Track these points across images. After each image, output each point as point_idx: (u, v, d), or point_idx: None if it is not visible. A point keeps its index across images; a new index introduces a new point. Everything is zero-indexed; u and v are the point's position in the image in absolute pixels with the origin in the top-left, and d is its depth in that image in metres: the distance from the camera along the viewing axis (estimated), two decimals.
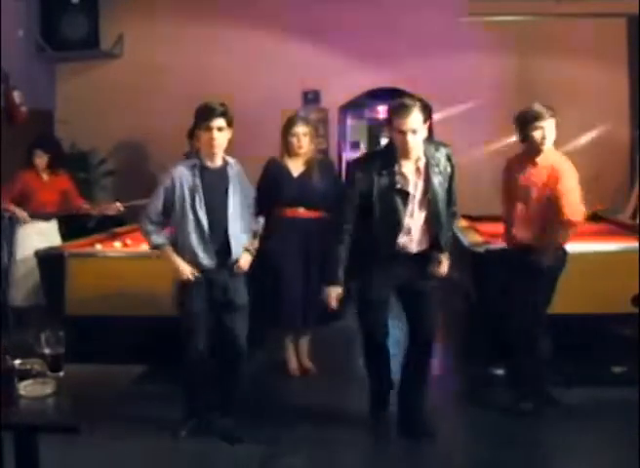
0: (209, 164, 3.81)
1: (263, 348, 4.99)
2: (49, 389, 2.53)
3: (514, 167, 4.14)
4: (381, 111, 9.82)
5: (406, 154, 3.64)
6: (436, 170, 3.70)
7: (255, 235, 4.04)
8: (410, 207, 3.69)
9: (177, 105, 7.42)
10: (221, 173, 3.83)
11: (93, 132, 7.90)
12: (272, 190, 4.64)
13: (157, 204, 3.80)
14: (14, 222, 5.90)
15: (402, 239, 3.71)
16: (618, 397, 4.31)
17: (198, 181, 3.76)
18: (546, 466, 3.82)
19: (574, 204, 4.01)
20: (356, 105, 8.82)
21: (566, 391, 4.23)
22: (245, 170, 3.97)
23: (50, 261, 4.97)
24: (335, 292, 3.77)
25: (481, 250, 4.36)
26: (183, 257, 3.79)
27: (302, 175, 4.73)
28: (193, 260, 3.78)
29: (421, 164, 3.68)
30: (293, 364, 4.96)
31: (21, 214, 5.71)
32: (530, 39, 7.62)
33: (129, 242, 5.47)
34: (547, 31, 7.61)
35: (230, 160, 3.89)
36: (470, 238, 5.03)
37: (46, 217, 5.85)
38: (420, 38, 7.85)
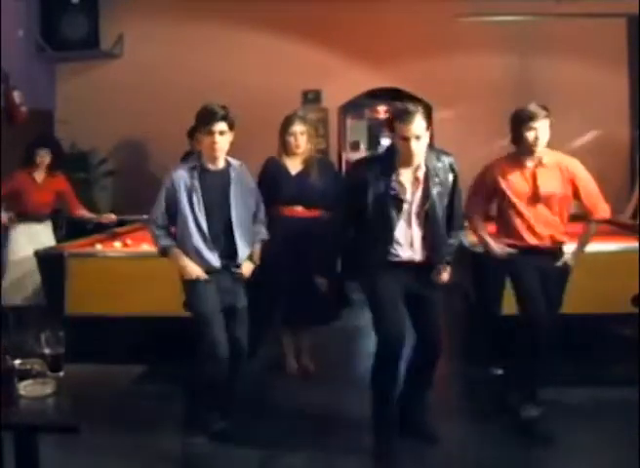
0: (210, 166, 3.80)
1: (263, 348, 4.97)
2: (49, 389, 2.53)
3: (506, 169, 4.02)
4: (381, 111, 9.84)
5: (408, 161, 3.61)
6: (436, 180, 3.66)
7: (259, 242, 3.99)
8: (406, 216, 3.66)
9: (177, 105, 7.43)
10: (223, 174, 3.81)
11: (93, 132, 7.90)
12: (270, 189, 4.64)
13: (161, 207, 3.79)
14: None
15: (403, 249, 3.67)
16: (618, 397, 4.30)
17: (197, 183, 3.74)
18: (546, 466, 3.82)
19: (599, 200, 4.06)
20: (356, 105, 8.83)
21: (566, 391, 4.23)
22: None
23: (50, 261, 4.97)
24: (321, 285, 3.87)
25: (481, 250, 4.35)
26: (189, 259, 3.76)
27: (301, 174, 4.73)
28: (198, 261, 3.75)
29: (421, 173, 3.64)
30: (291, 364, 4.97)
31: (4, 218, 5.68)
32: (530, 39, 7.62)
33: (129, 242, 5.48)
34: (547, 31, 7.61)
35: (233, 162, 3.87)
36: (470, 238, 5.02)
37: (39, 219, 5.84)
38: (420, 38, 7.86)
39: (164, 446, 3.85)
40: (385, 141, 7.24)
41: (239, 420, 3.92)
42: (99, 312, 4.80)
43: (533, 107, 3.91)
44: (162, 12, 8.03)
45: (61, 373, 2.66)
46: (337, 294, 4.65)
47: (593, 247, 4.75)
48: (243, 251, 3.84)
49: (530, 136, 3.89)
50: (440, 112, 7.78)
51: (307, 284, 4.60)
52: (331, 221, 4.03)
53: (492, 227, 4.25)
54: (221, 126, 3.70)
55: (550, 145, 3.99)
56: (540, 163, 3.98)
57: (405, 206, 3.65)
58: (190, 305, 3.81)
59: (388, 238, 3.66)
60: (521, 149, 3.99)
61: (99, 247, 5.38)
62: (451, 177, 3.72)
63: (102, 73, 8.20)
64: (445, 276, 3.83)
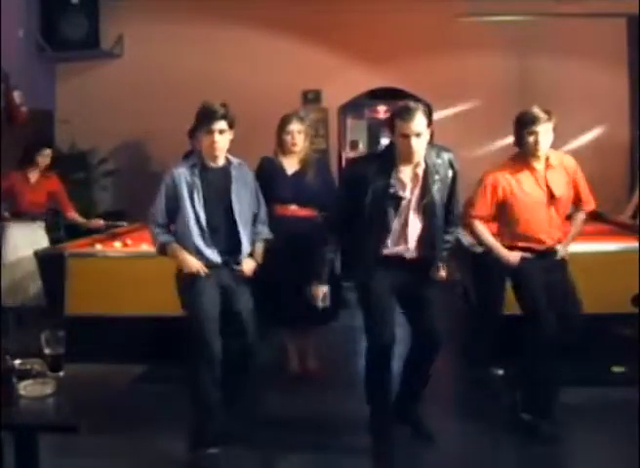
0: (210, 164, 3.79)
1: (263, 348, 4.98)
2: (49, 389, 2.53)
3: (516, 174, 3.96)
4: (381, 111, 9.83)
5: (408, 158, 3.59)
6: (436, 177, 3.65)
7: (263, 242, 3.99)
8: (404, 213, 3.65)
9: (177, 105, 7.42)
10: (224, 172, 3.81)
11: (93, 132, 7.90)
12: (266, 188, 4.63)
13: (161, 205, 3.78)
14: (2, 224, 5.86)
15: (400, 246, 3.68)
16: (618, 397, 4.30)
17: (197, 180, 3.74)
18: (546, 466, 3.82)
19: (589, 193, 4.10)
20: (356, 105, 8.81)
21: (566, 391, 4.22)
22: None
23: (50, 261, 4.97)
24: (319, 291, 3.78)
25: (481, 250, 4.35)
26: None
27: (296, 173, 4.72)
28: (198, 258, 3.74)
29: (420, 170, 3.63)
30: (293, 363, 4.97)
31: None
32: (530, 39, 7.62)
33: (129, 242, 5.47)
34: (547, 31, 7.61)
35: (234, 160, 3.86)
36: (470, 238, 5.02)
37: (32, 219, 5.81)
38: (420, 38, 7.86)
39: (164, 446, 3.85)
40: (385, 141, 7.23)
41: (239, 421, 3.92)
42: (99, 312, 4.79)
43: (535, 110, 3.88)
44: (162, 12, 8.03)
45: (61, 373, 2.66)
46: (335, 295, 4.65)
47: (593, 247, 4.76)
48: (246, 247, 3.83)
49: (531, 139, 3.86)
50: (440, 112, 7.78)
51: (304, 283, 4.61)
52: (328, 220, 4.01)
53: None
54: (221, 124, 3.69)
55: (551, 145, 3.99)
56: (548, 165, 3.97)
57: (403, 202, 3.63)
58: (186, 302, 3.78)
59: (384, 235, 3.65)
60: (524, 152, 3.96)
61: (99, 247, 5.38)
62: (450, 174, 3.71)
63: (102, 73, 8.20)
64: (443, 272, 3.82)
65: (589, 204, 4.15)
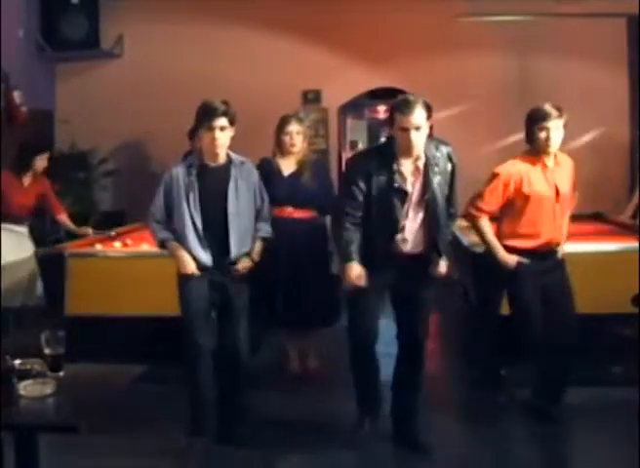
0: (210, 162, 3.78)
1: (263, 348, 4.98)
2: (49, 389, 2.53)
3: (529, 171, 3.95)
4: (381, 111, 9.83)
5: (407, 152, 3.55)
6: (436, 169, 3.61)
7: (262, 240, 3.95)
8: (406, 207, 3.60)
9: (177, 105, 7.41)
10: (223, 171, 3.79)
11: (93, 132, 7.89)
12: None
13: (159, 203, 3.80)
14: None
15: (396, 240, 3.64)
16: (618, 397, 4.30)
17: (194, 180, 3.73)
18: (546, 466, 3.82)
19: (575, 195, 4.13)
20: (356, 105, 8.82)
21: (566, 391, 4.23)
22: None
23: (50, 261, 4.97)
24: (353, 270, 3.56)
25: (481, 250, 4.34)
26: None
27: (293, 175, 4.71)
28: (193, 258, 3.75)
29: (421, 163, 3.60)
30: (293, 363, 4.97)
31: None
32: (530, 39, 7.61)
33: (129, 242, 5.47)
34: (547, 31, 7.61)
35: (235, 158, 3.84)
36: (470, 238, 5.02)
37: (19, 221, 5.69)
38: (420, 38, 7.86)
39: (164, 445, 3.85)
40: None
41: (239, 421, 3.92)
42: (99, 312, 4.79)
43: (547, 107, 3.89)
44: (162, 12, 8.02)
45: (61, 373, 2.66)
46: (336, 295, 4.66)
47: (593, 247, 4.76)
48: (237, 247, 3.78)
49: (542, 135, 3.87)
50: (440, 112, 7.77)
51: (302, 285, 4.62)
52: (332, 219, 3.95)
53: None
54: (222, 121, 3.67)
55: None
56: (556, 162, 3.98)
57: (407, 197, 3.59)
58: (180, 296, 3.82)
59: (393, 231, 3.61)
60: (535, 148, 3.96)
61: (99, 247, 5.38)
62: (449, 167, 3.68)
63: (102, 73, 8.20)
64: (443, 268, 3.75)
65: (575, 200, 4.19)
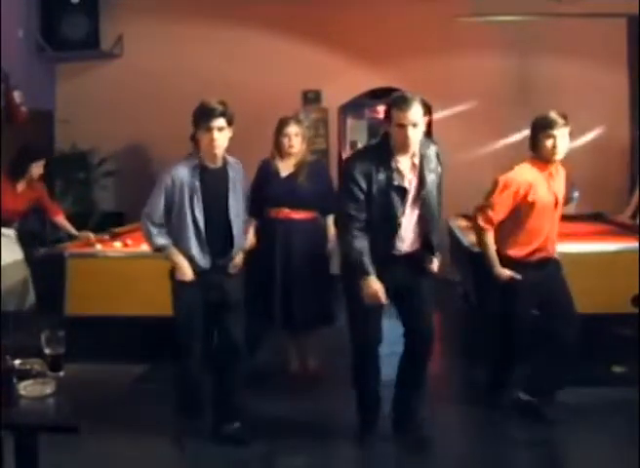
0: (209, 164, 3.76)
1: (263, 349, 4.98)
2: (49, 389, 2.53)
3: (535, 179, 3.92)
4: (381, 111, 9.81)
5: (404, 149, 3.52)
6: (431, 166, 3.61)
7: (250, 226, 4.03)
8: (404, 204, 3.58)
9: (176, 105, 7.40)
10: (222, 173, 3.79)
11: (93, 132, 7.90)
12: (261, 191, 4.67)
13: (159, 205, 3.73)
14: None
15: (398, 238, 3.62)
16: (618, 397, 4.30)
17: (197, 182, 3.71)
18: (546, 466, 3.82)
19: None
20: (356, 105, 8.82)
21: (566, 391, 4.23)
22: (245, 170, 3.94)
23: (50, 261, 4.97)
24: (372, 285, 3.50)
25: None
26: None
27: (290, 176, 4.71)
28: (191, 261, 3.74)
29: (416, 160, 3.58)
30: (293, 363, 4.97)
31: None
32: (530, 39, 7.61)
33: (129, 242, 5.47)
34: (547, 31, 7.61)
35: (231, 160, 3.84)
36: (470, 238, 5.02)
37: (8, 225, 5.52)
38: (420, 38, 7.85)
39: (164, 445, 3.85)
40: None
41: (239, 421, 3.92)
42: (99, 312, 4.80)
43: (553, 115, 3.87)
44: (162, 12, 8.02)
45: (61, 373, 2.66)
46: (335, 295, 4.65)
47: (593, 247, 4.76)
48: (237, 248, 3.84)
49: (549, 143, 3.85)
50: (440, 112, 7.78)
51: (299, 285, 4.63)
52: (335, 221, 3.92)
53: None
54: (220, 122, 3.64)
55: None
56: (557, 170, 3.98)
57: (407, 194, 3.57)
58: (175, 304, 3.83)
59: (392, 229, 3.59)
60: (540, 156, 3.92)
61: (99, 247, 5.38)
62: (439, 168, 3.67)
63: (102, 73, 8.20)
64: (436, 266, 3.75)
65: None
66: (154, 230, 3.75)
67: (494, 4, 7.26)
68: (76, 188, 7.93)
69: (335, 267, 4.33)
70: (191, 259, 3.74)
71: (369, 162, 3.55)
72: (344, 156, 8.52)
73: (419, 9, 7.73)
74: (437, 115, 7.68)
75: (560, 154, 3.89)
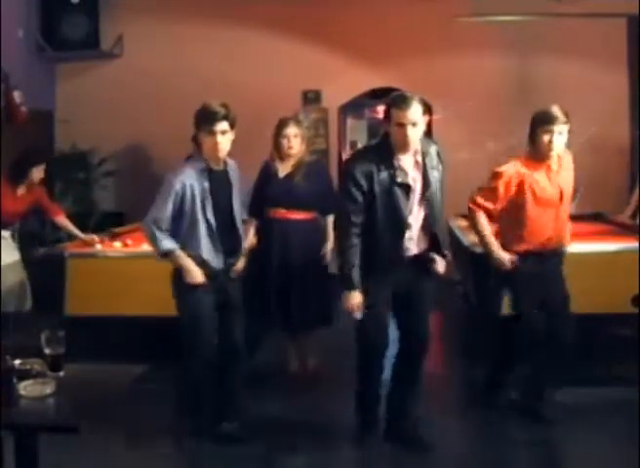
0: (214, 167, 3.73)
1: (263, 349, 4.98)
2: (49, 389, 2.53)
3: (532, 173, 3.88)
4: (381, 111, 9.81)
5: (404, 148, 3.48)
6: (433, 164, 3.58)
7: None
8: (410, 203, 3.53)
9: (177, 105, 7.42)
10: (226, 175, 3.78)
11: (93, 132, 7.90)
12: (261, 192, 4.68)
13: (167, 211, 3.63)
14: None
15: (405, 239, 3.56)
16: (618, 397, 4.30)
17: (207, 185, 3.66)
18: (546, 466, 3.82)
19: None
20: (356, 105, 8.82)
21: (566, 391, 4.23)
22: (245, 171, 3.94)
23: (50, 261, 4.97)
24: (353, 299, 3.53)
25: (481, 250, 4.34)
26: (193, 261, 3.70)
27: (287, 176, 4.71)
28: (202, 264, 3.69)
29: (419, 157, 3.54)
30: (293, 363, 4.97)
31: None
32: (530, 39, 7.61)
33: (129, 242, 5.47)
34: (547, 31, 7.61)
35: (230, 161, 3.83)
36: (470, 238, 5.02)
37: (5, 227, 5.43)
38: (420, 38, 7.86)
39: (164, 446, 3.85)
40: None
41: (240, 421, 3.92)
42: (99, 312, 4.80)
43: (554, 110, 3.82)
44: (162, 12, 8.02)
45: (61, 373, 2.66)
46: (331, 297, 4.66)
47: (593, 247, 4.76)
48: (242, 249, 3.85)
49: (545, 139, 3.81)
50: (440, 112, 7.78)
51: (297, 285, 4.63)
52: (338, 219, 3.82)
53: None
54: (223, 125, 3.61)
55: None
56: (559, 163, 3.94)
57: (411, 192, 3.52)
58: (184, 308, 3.75)
59: (400, 230, 3.53)
60: (536, 151, 3.89)
61: (99, 247, 5.38)
62: (440, 166, 3.65)
63: (102, 73, 8.20)
64: (442, 267, 3.70)
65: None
66: (160, 235, 3.66)
67: (494, 4, 7.26)
68: (76, 188, 7.93)
69: (334, 267, 4.32)
70: (203, 262, 3.70)
71: (369, 161, 3.51)
72: (344, 156, 8.53)
73: (419, 9, 7.74)
74: (437, 115, 7.68)
75: (555, 151, 3.85)
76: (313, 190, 4.66)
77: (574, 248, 4.25)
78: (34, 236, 6.30)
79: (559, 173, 3.95)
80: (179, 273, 3.72)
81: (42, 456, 2.67)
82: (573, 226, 4.21)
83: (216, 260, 3.73)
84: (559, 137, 3.82)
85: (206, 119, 3.62)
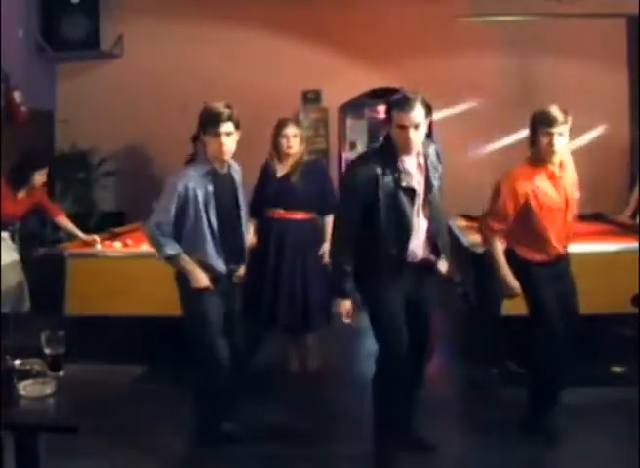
0: (218, 169, 3.69)
1: (262, 349, 4.99)
2: (49, 389, 2.53)
3: (536, 180, 3.77)
4: (381, 111, 9.81)
5: (406, 150, 3.39)
6: (435, 164, 3.54)
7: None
8: (415, 207, 3.45)
9: (176, 105, 7.46)
10: (230, 177, 3.76)
11: (93, 132, 7.91)
12: (260, 192, 4.69)
13: (169, 214, 3.59)
14: None
15: (412, 244, 3.47)
16: (618, 397, 4.30)
17: (211, 188, 3.63)
18: (546, 466, 3.82)
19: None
20: (356, 105, 8.82)
21: (566, 391, 4.23)
22: (245, 171, 3.93)
23: (50, 261, 4.97)
24: (344, 307, 3.47)
25: (481, 250, 4.34)
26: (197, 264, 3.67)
27: (284, 177, 4.71)
28: (207, 267, 3.67)
29: (422, 159, 3.47)
30: (293, 363, 4.97)
31: None
32: (530, 39, 7.62)
33: (129, 242, 5.47)
34: (547, 31, 7.61)
35: (234, 163, 3.81)
36: (470, 238, 5.02)
37: (4, 228, 5.38)
38: (420, 38, 7.86)
39: (164, 446, 3.85)
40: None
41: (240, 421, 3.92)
42: (99, 312, 4.79)
43: (553, 111, 3.68)
44: (162, 12, 8.02)
45: (61, 373, 2.66)
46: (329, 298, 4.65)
47: (593, 247, 4.76)
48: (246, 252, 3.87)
49: (545, 140, 3.68)
50: (440, 112, 7.77)
51: (295, 285, 4.64)
52: (336, 228, 3.65)
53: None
54: (228, 126, 3.57)
55: None
56: (562, 168, 3.81)
57: (416, 195, 3.44)
58: (192, 310, 3.71)
59: (406, 234, 3.44)
60: (537, 154, 3.78)
61: (99, 247, 5.38)
62: (440, 166, 3.58)
63: (102, 73, 8.20)
64: (444, 268, 3.64)
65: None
66: (163, 240, 3.62)
67: (494, 4, 7.26)
68: (76, 188, 7.93)
69: None
70: (208, 266, 3.67)
71: (373, 166, 3.39)
72: (344, 156, 8.53)
73: (419, 9, 7.74)
74: (437, 115, 7.67)
75: (557, 152, 3.73)
76: (311, 190, 4.66)
77: (574, 248, 4.24)
78: (34, 236, 6.30)
79: (565, 178, 3.83)
80: (183, 276, 3.69)
81: (42, 456, 2.67)
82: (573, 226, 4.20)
83: (219, 264, 3.71)
84: (560, 139, 3.70)
85: (210, 120, 3.58)
